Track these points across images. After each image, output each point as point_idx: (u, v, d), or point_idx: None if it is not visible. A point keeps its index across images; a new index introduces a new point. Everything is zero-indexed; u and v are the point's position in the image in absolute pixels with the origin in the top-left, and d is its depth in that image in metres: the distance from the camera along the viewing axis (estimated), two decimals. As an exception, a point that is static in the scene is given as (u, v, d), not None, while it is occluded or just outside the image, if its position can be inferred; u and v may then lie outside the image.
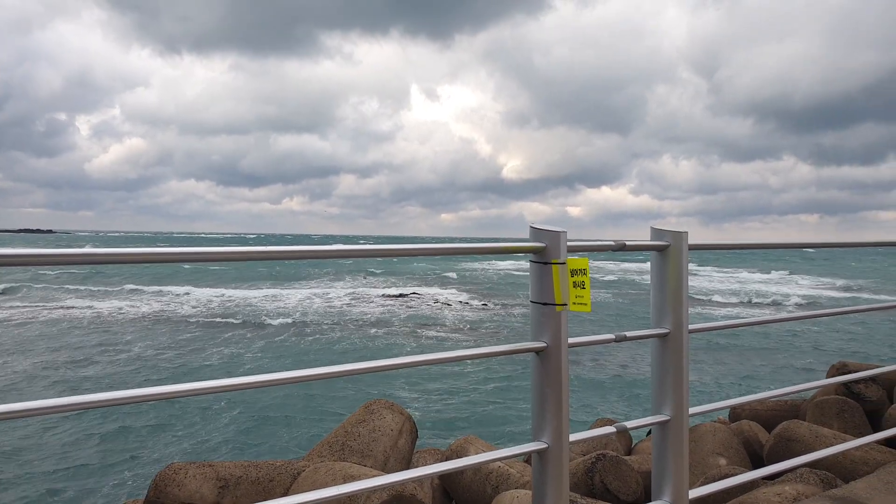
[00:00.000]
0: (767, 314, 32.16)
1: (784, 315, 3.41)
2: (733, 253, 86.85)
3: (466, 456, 4.26)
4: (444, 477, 5.05)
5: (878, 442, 4.27)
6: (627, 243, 2.21)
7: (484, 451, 4.34)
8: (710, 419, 6.79)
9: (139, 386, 8.80)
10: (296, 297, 37.80)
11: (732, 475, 3.24)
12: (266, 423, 13.23)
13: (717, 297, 40.52)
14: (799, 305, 38.11)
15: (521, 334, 24.94)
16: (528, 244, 1.98)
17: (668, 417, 2.29)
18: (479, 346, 12.55)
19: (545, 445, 1.97)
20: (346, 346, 22.27)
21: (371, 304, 35.24)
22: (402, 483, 2.08)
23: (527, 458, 4.84)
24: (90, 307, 32.28)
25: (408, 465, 5.13)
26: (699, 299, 38.67)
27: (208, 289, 42.59)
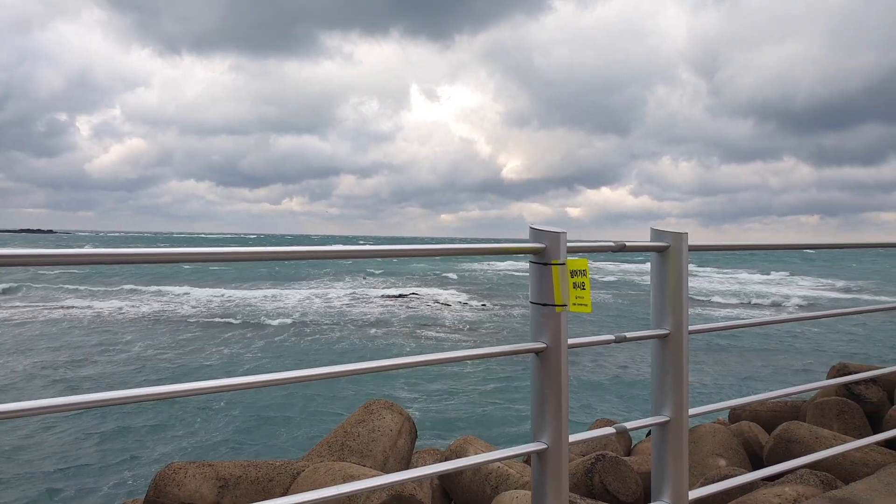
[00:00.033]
0: (767, 315, 32.18)
1: (784, 316, 3.42)
2: (733, 254, 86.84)
3: (466, 456, 4.25)
4: (443, 477, 5.06)
5: (879, 443, 4.27)
6: (627, 244, 2.21)
7: (483, 452, 4.34)
8: (710, 420, 6.79)
9: (139, 386, 8.80)
10: (295, 298, 37.78)
11: (732, 476, 3.24)
12: (266, 423, 13.23)
13: (716, 298, 40.50)
14: (799, 306, 38.07)
15: (521, 335, 24.92)
16: (528, 245, 1.98)
17: (668, 418, 2.29)
18: (478, 346, 12.53)
19: (545, 446, 1.97)
20: (345, 347, 22.25)
21: (371, 305, 35.22)
22: (402, 483, 2.08)
23: (526, 458, 4.83)
24: (90, 307, 32.29)
25: (407, 466, 5.13)
26: (699, 300, 38.66)
27: (208, 289, 42.54)
